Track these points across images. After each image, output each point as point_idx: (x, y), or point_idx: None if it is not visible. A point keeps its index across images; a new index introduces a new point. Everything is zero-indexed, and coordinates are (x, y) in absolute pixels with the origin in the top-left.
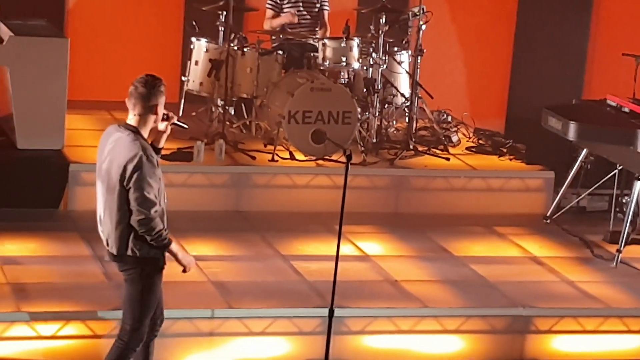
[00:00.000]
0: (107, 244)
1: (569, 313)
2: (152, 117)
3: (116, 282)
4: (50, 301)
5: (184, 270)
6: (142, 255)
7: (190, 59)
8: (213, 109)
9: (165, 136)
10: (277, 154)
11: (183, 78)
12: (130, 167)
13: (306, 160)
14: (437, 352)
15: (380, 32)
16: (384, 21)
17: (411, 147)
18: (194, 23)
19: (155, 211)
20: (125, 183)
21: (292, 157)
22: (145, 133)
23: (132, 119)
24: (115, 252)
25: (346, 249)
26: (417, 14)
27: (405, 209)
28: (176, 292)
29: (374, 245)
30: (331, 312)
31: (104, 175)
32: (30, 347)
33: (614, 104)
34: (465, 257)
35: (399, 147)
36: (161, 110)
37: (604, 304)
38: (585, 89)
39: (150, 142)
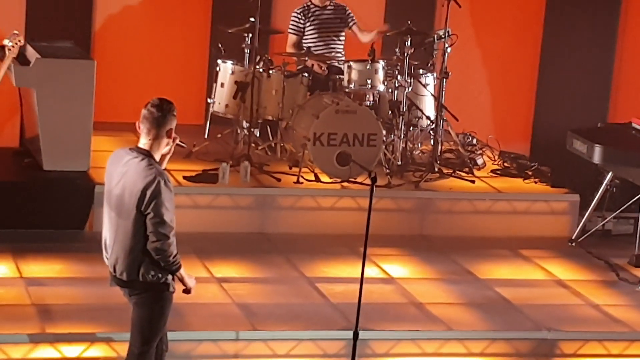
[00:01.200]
0: (115, 270)
1: (594, 337)
2: (165, 141)
3: None
4: (75, 322)
5: (188, 291)
6: (152, 281)
7: (216, 81)
8: (238, 131)
9: (168, 157)
10: (302, 176)
11: (209, 100)
12: (149, 193)
13: (331, 183)
14: None
15: (406, 54)
16: (409, 44)
17: (436, 169)
18: (219, 45)
19: (174, 235)
20: (143, 208)
21: (317, 179)
22: (157, 157)
23: (145, 143)
24: (125, 278)
25: (371, 271)
26: (443, 36)
27: (430, 232)
28: (201, 314)
29: (398, 268)
30: (356, 334)
31: (115, 201)
32: None
33: (639, 127)
34: (490, 280)
35: (424, 169)
36: (171, 136)
37: (629, 328)
38: (611, 112)
39: None
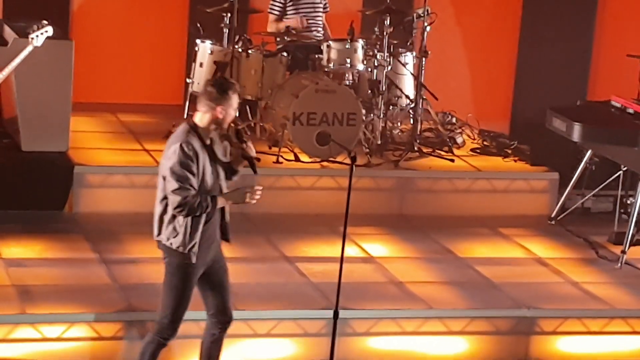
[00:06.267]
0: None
1: (573, 314)
2: (212, 118)
3: (121, 284)
4: (55, 303)
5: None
6: (171, 248)
7: (194, 61)
8: None
9: (239, 161)
10: (281, 156)
11: (188, 80)
12: (167, 156)
13: (311, 162)
14: (441, 353)
15: (385, 33)
16: (388, 23)
17: (416, 148)
18: (198, 25)
19: (189, 191)
20: (162, 173)
21: (297, 159)
22: (203, 131)
23: (196, 115)
24: (155, 235)
25: (351, 250)
26: (422, 15)
27: (409, 211)
28: None
29: (378, 247)
30: (336, 313)
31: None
32: (35, 349)
33: (618, 105)
34: (470, 259)
35: (404, 148)
36: (224, 113)
37: (608, 305)
38: (590, 90)
39: (229, 162)
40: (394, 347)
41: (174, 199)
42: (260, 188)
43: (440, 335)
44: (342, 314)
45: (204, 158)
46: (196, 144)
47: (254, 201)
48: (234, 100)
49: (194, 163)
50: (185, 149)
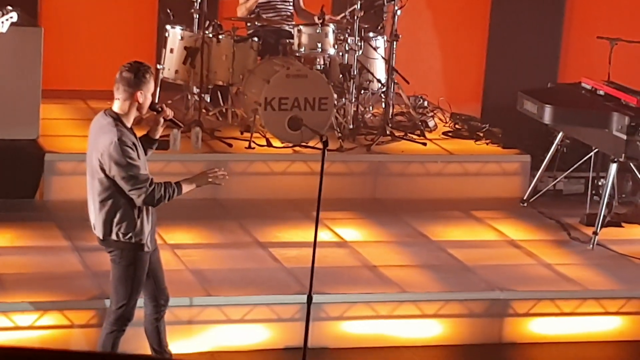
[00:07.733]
0: (94, 229)
1: (546, 296)
2: (133, 104)
3: (93, 271)
4: (27, 292)
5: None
6: (125, 240)
7: (165, 47)
8: (189, 97)
9: (159, 128)
10: (253, 141)
11: (158, 66)
12: (107, 155)
13: (283, 147)
14: (416, 336)
15: (356, 17)
16: (359, 6)
17: (388, 132)
18: (168, 11)
19: (147, 181)
20: (108, 171)
21: (269, 144)
22: (126, 119)
23: (115, 104)
24: (101, 237)
25: (324, 235)
26: None
27: (382, 195)
28: None
29: (351, 231)
30: (310, 298)
31: (88, 162)
32: (8, 338)
33: (588, 86)
34: (443, 242)
35: (376, 132)
36: (143, 98)
37: (581, 286)
38: (560, 72)
39: (145, 133)
40: (368, 331)
41: (136, 197)
42: (222, 168)
43: (414, 319)
44: (315, 298)
45: (138, 144)
46: (127, 133)
47: (221, 183)
48: (151, 83)
49: (135, 152)
50: (124, 144)
